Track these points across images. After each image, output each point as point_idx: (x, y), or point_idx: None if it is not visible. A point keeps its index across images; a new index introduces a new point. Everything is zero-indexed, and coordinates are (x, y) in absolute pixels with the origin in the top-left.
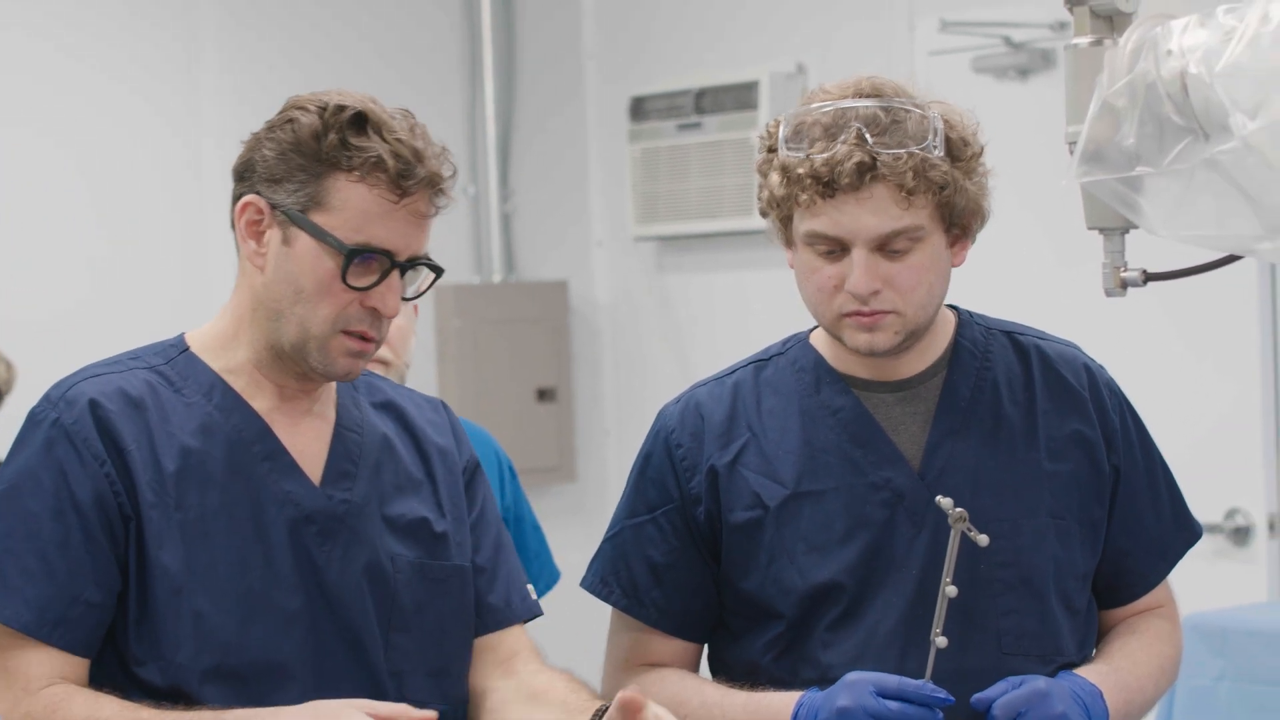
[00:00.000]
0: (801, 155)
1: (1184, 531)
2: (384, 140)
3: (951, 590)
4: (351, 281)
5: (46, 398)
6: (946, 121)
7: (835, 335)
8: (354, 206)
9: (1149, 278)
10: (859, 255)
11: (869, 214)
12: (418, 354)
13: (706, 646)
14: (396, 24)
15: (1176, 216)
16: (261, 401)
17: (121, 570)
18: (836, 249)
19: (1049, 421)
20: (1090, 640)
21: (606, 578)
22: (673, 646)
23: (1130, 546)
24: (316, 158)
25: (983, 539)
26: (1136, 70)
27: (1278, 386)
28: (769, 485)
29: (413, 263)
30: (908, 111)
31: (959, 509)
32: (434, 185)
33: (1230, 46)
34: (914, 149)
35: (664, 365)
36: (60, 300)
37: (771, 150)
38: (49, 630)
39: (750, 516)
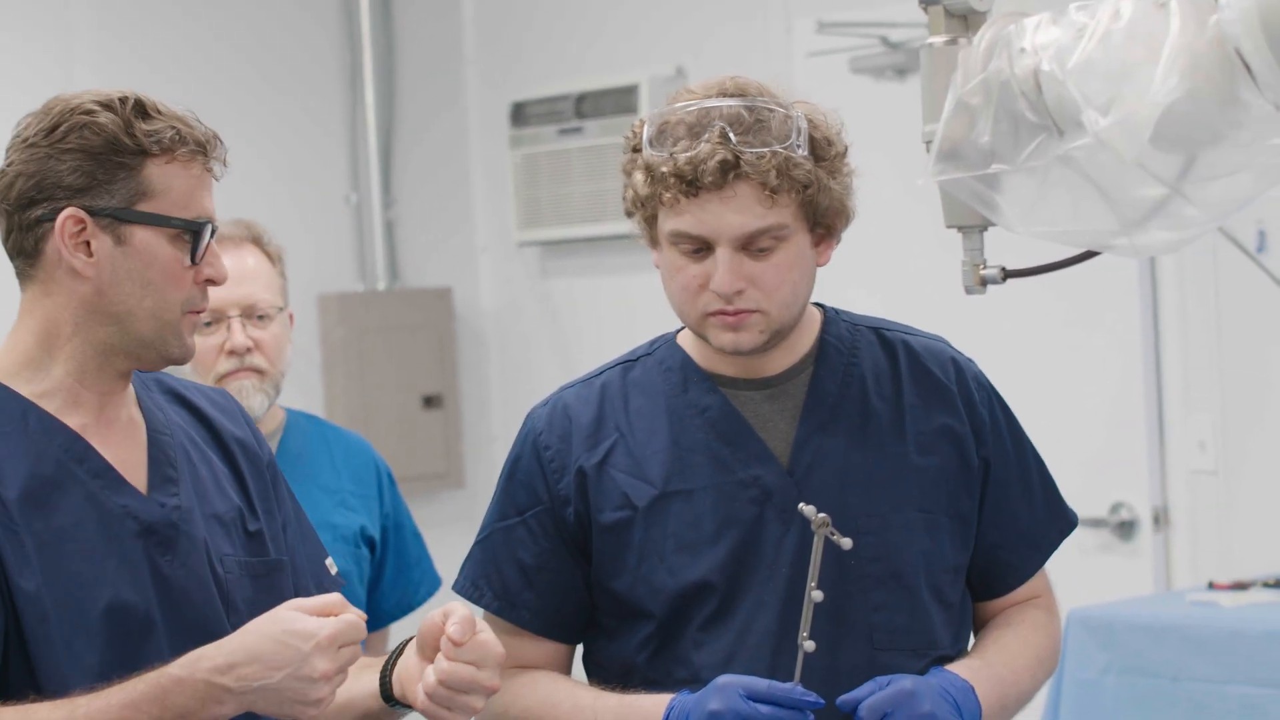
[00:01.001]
0: (665, 155)
1: (1057, 521)
2: (164, 117)
3: (817, 595)
4: (198, 258)
5: None
6: (810, 121)
7: (700, 335)
8: (177, 185)
9: (1008, 275)
10: (723, 254)
11: (732, 213)
12: (302, 363)
13: (581, 647)
14: (275, 34)
15: (1033, 213)
16: (77, 418)
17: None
18: (701, 248)
19: (916, 416)
20: (965, 633)
21: (478, 581)
22: (545, 648)
23: (1002, 539)
24: (130, 151)
25: (846, 542)
26: (990, 68)
27: (1160, 381)
28: (637, 485)
29: (214, 226)
30: (771, 111)
31: (822, 514)
32: (217, 143)
33: (1082, 43)
34: (777, 148)
35: (550, 370)
36: None
37: (636, 150)
38: None
39: (619, 517)
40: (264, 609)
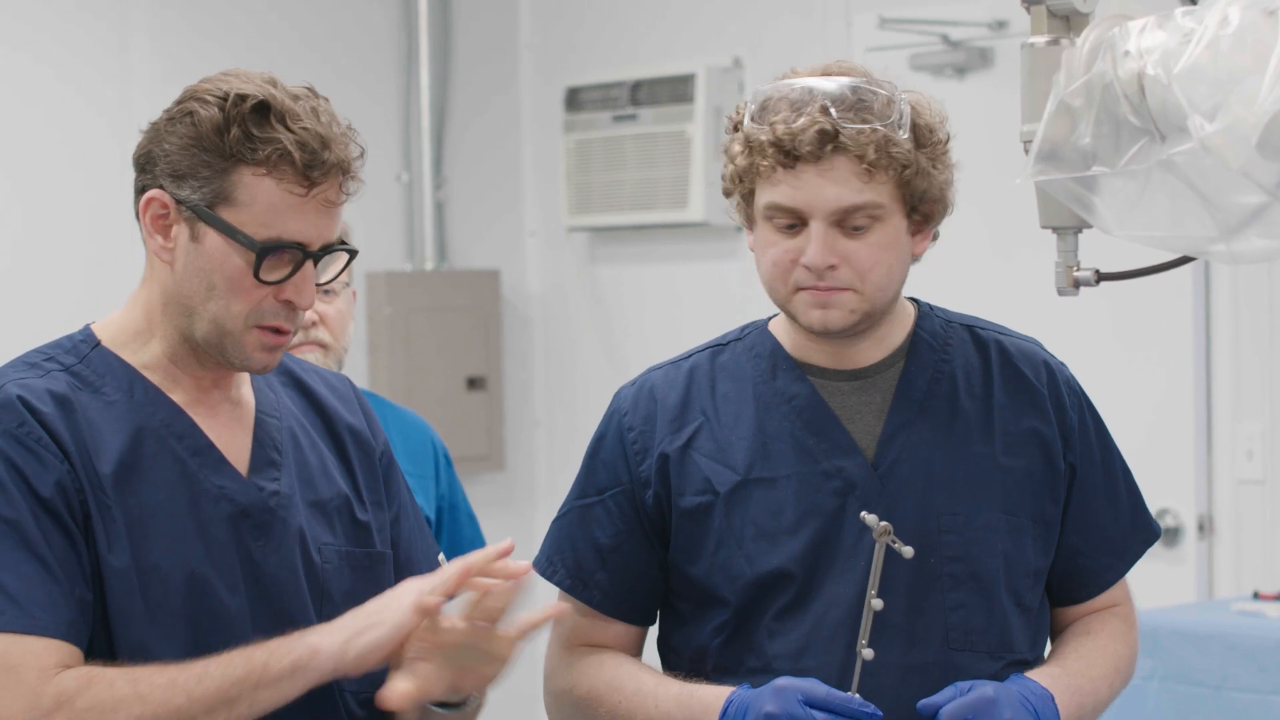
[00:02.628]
0: (764, 126)
1: (1141, 531)
2: (289, 129)
3: (877, 604)
4: (264, 277)
5: None
6: (914, 107)
7: (789, 313)
8: (262, 201)
9: (1101, 277)
10: (816, 228)
11: (829, 185)
12: None
13: (656, 630)
14: (332, 12)
15: (1131, 217)
16: (180, 395)
17: (95, 566)
18: (795, 223)
19: (1006, 417)
20: (1042, 639)
21: (552, 558)
22: (615, 629)
23: (1085, 545)
24: (220, 153)
25: (907, 551)
26: (1094, 70)
27: (1210, 389)
28: (720, 470)
29: (326, 250)
30: (874, 92)
31: (884, 523)
32: (343, 172)
33: (1189, 48)
34: (878, 125)
35: (594, 356)
36: None
37: (738, 128)
38: (64, 629)
39: (700, 502)
40: (361, 601)
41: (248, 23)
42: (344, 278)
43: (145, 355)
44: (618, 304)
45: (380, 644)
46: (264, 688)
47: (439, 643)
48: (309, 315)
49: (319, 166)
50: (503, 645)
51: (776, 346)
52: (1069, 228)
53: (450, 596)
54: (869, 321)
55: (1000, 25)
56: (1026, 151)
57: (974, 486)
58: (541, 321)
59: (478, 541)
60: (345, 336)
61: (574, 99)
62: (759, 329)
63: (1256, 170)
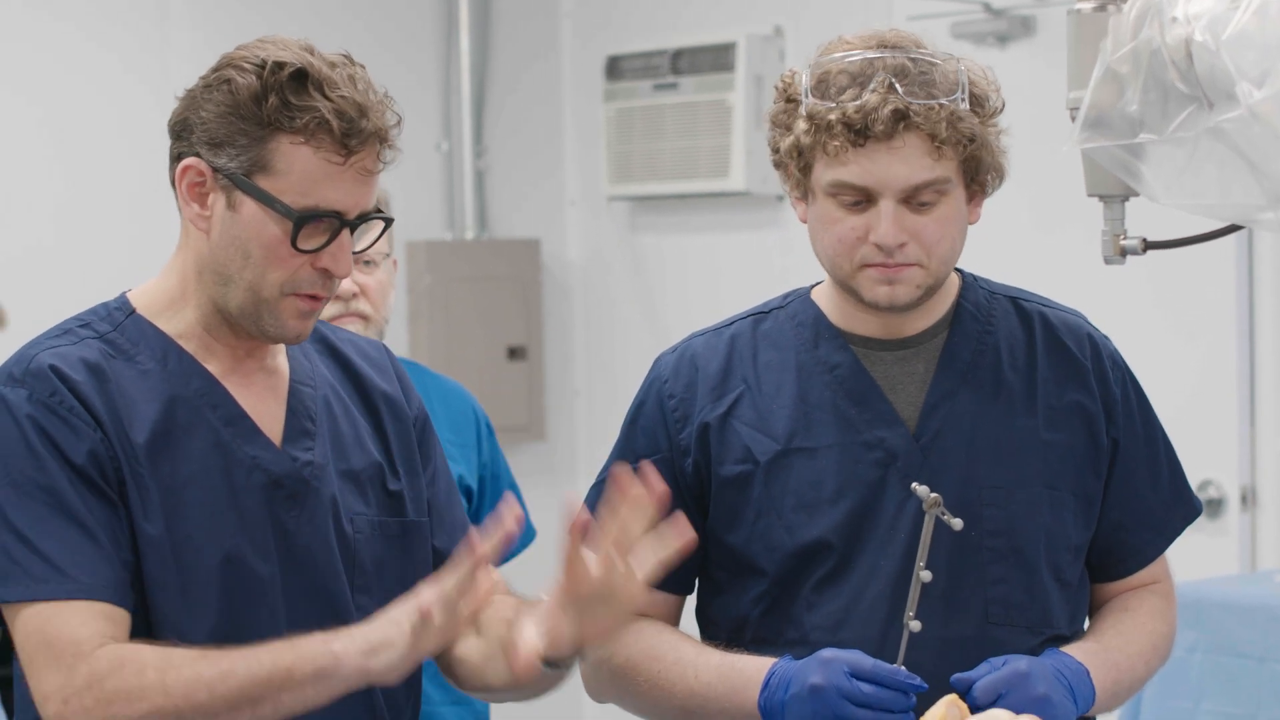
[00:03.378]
0: (831, 104)
1: (1182, 507)
2: (326, 98)
3: (925, 575)
4: (301, 245)
5: (9, 377)
6: (969, 77)
7: (851, 288)
8: (300, 169)
9: (1149, 246)
10: (887, 206)
11: (900, 163)
12: None
13: (695, 599)
14: None
15: (1179, 184)
16: (215, 364)
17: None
18: (861, 200)
19: (1049, 390)
20: (1081, 614)
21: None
22: (653, 598)
23: (1126, 520)
24: (258, 120)
25: (956, 523)
26: (1141, 37)
27: (1253, 360)
28: (761, 440)
29: (363, 218)
30: (933, 64)
31: (934, 494)
32: (380, 140)
33: (1237, 15)
34: (944, 100)
35: (634, 326)
36: (23, 243)
37: (790, 100)
38: (110, 592)
39: (740, 470)
40: (394, 570)
41: None
42: (384, 248)
43: (180, 323)
44: (658, 273)
45: (396, 664)
46: (288, 690)
47: (576, 593)
48: (349, 286)
49: (357, 135)
50: (633, 588)
51: (819, 315)
52: (1116, 196)
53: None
54: (930, 294)
55: None
56: (1073, 118)
57: (1017, 459)
58: (582, 291)
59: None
60: (386, 307)
61: (614, 67)
62: (801, 297)
63: None
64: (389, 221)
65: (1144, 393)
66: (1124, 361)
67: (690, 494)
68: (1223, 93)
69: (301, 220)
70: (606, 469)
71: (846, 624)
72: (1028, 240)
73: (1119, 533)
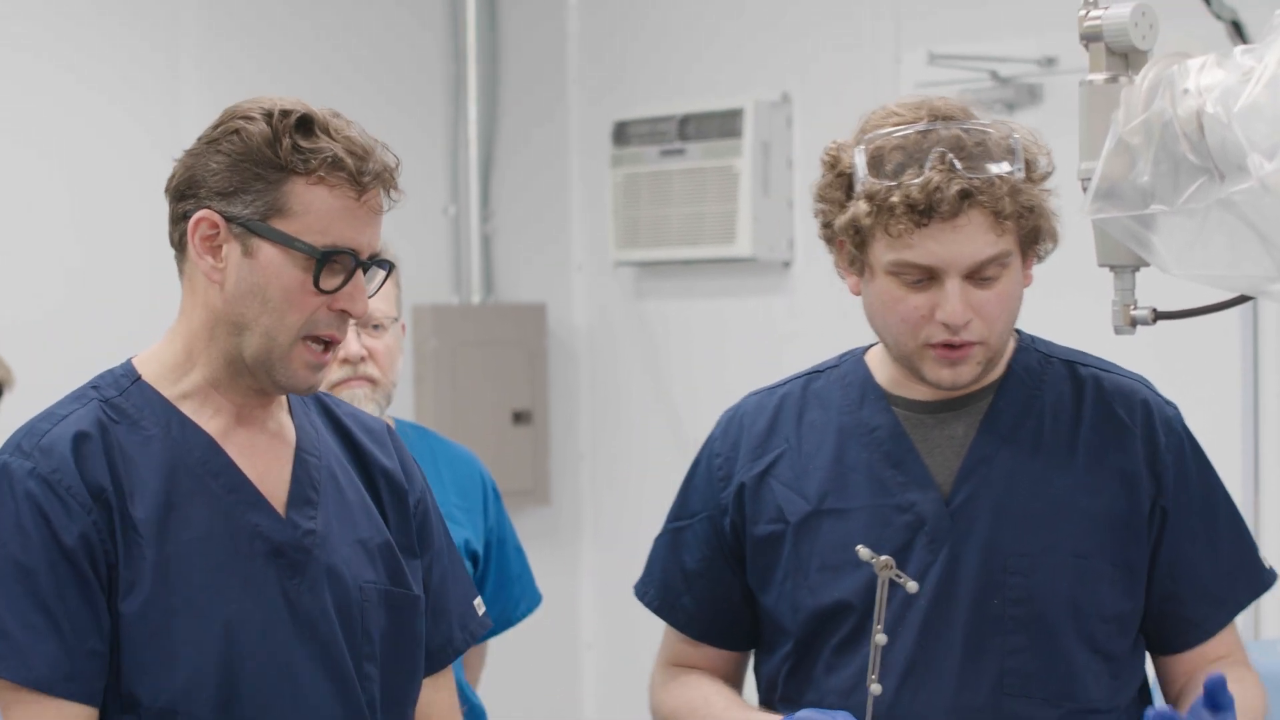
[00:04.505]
0: (889, 183)
1: (1247, 578)
2: (333, 139)
3: (880, 639)
4: (323, 285)
5: (16, 447)
6: (1022, 143)
7: (913, 367)
8: (317, 209)
9: (1159, 316)
10: (953, 286)
11: (965, 242)
12: None
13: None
14: (381, 41)
15: (1189, 255)
16: (218, 428)
17: (111, 616)
18: (924, 278)
19: (1091, 456)
20: (1129, 686)
21: (646, 579)
22: (706, 652)
23: (1180, 591)
24: (272, 165)
25: (912, 586)
26: (1153, 108)
27: (1258, 432)
28: (794, 500)
29: (374, 259)
30: (986, 133)
31: (884, 557)
32: (388, 178)
33: (1248, 87)
34: (1003, 172)
35: (639, 391)
36: (37, 306)
37: (840, 175)
38: (62, 685)
39: (772, 530)
40: (398, 641)
41: (298, 51)
42: (392, 312)
43: (184, 387)
44: (664, 338)
45: None
46: None
47: None
48: (357, 350)
49: (368, 172)
50: None
51: (868, 377)
52: (1126, 266)
53: None
54: (990, 368)
55: (1050, 62)
56: (1084, 189)
57: (1045, 528)
58: (588, 355)
59: (525, 575)
60: (394, 371)
61: (622, 133)
62: (855, 358)
63: None
64: (391, 268)
65: (1206, 461)
66: (1183, 428)
67: (732, 554)
68: (1234, 165)
69: (325, 257)
70: (665, 524)
71: (860, 688)
72: (1035, 306)
73: (1171, 604)
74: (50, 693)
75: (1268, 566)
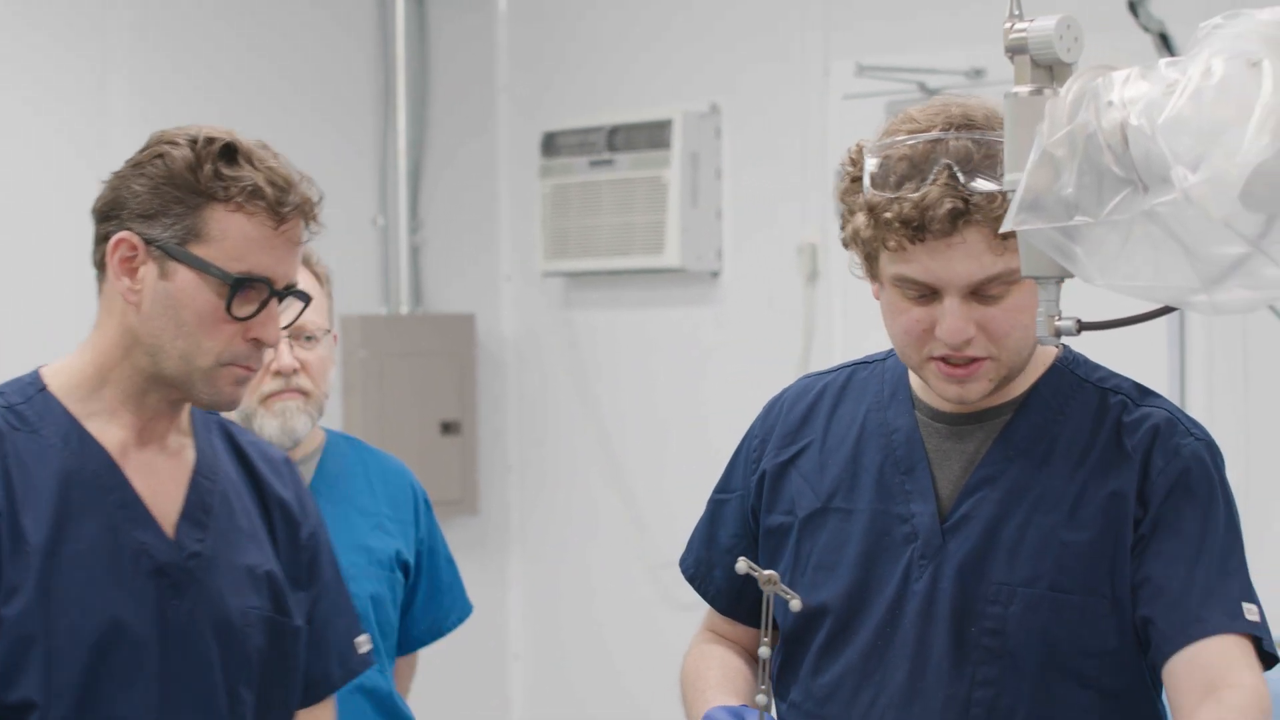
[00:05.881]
0: (889, 195)
1: (1223, 610)
2: (255, 168)
3: (764, 652)
4: (235, 312)
5: None
6: None
7: (922, 379)
8: (234, 236)
9: (1083, 327)
10: (950, 303)
11: (962, 260)
12: None
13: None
14: (311, 51)
15: (1113, 266)
16: (119, 440)
17: None
18: (927, 293)
19: (1091, 484)
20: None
21: (688, 549)
22: (732, 626)
23: (1150, 614)
24: (193, 190)
25: (795, 603)
26: (1077, 120)
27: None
28: (807, 494)
29: (287, 291)
30: (999, 142)
31: (769, 571)
32: (308, 210)
33: (1172, 99)
34: (1003, 189)
35: (568, 401)
36: None
37: (855, 180)
38: None
39: (782, 522)
40: (276, 668)
41: (226, 64)
42: (324, 324)
43: (92, 403)
44: (592, 349)
45: None
46: None
47: None
48: (290, 362)
49: (287, 203)
50: None
51: (903, 376)
52: (1051, 277)
53: None
54: (1006, 383)
55: (977, 74)
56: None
57: (1030, 560)
58: (516, 366)
59: (456, 586)
60: (326, 383)
61: (551, 144)
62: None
63: (1238, 221)
64: (308, 301)
65: (1217, 497)
66: (1195, 458)
67: (754, 537)
68: (1158, 177)
69: (237, 284)
70: (713, 493)
71: (838, 691)
72: None
73: (1143, 623)
74: None
75: (1250, 618)
